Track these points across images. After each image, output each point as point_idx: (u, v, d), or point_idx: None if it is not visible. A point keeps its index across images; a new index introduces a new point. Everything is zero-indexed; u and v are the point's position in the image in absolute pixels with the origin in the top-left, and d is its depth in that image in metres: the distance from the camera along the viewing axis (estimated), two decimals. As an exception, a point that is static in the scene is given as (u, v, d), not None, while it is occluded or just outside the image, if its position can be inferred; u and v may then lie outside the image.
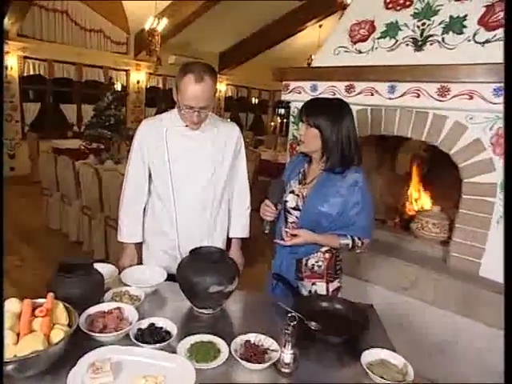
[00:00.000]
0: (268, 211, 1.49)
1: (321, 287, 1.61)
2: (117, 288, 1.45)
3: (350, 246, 1.50)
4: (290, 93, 2.38)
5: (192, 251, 1.38)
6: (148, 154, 1.66)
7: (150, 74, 8.72)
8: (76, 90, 7.78)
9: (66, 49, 7.26)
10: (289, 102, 2.46)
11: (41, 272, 3.18)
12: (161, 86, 9.28)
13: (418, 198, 2.62)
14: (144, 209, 1.77)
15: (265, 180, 4.96)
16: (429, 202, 2.50)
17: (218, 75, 10.10)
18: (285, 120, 10.85)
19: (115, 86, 7.54)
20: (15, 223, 4.43)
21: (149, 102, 9.08)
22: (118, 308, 1.29)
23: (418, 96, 1.89)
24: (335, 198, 1.48)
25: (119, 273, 1.56)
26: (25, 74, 6.98)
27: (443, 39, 1.89)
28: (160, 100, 9.31)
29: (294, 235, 1.50)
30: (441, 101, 1.82)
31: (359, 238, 1.50)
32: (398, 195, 2.81)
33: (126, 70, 8.43)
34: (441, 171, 2.60)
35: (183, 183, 1.64)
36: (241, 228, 1.84)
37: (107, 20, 7.65)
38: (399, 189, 2.82)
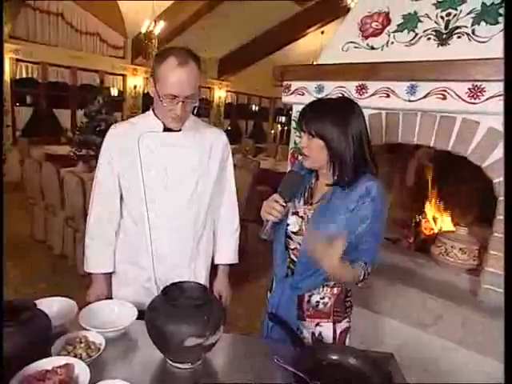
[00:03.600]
0: (275, 208, 1.16)
1: (326, 328, 1.33)
2: (73, 332, 1.15)
3: (362, 276, 1.19)
4: (291, 94, 2.08)
5: (165, 289, 1.08)
6: (119, 166, 1.39)
7: (148, 78, 8.45)
8: (70, 95, 7.52)
9: (61, 52, 7.04)
10: (290, 109, 2.17)
11: (25, 291, 3.04)
12: (159, 91, 9.06)
13: (437, 215, 2.31)
14: (116, 232, 1.49)
15: (264, 190, 4.63)
16: (449, 220, 2.19)
17: (218, 81, 9.98)
18: (285, 128, 10.60)
19: (110, 89, 7.31)
20: None
21: (146, 107, 8.83)
22: (67, 365, 0.99)
23: (444, 98, 1.59)
24: (343, 216, 1.19)
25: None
26: (17, 77, 6.73)
27: (473, 31, 1.60)
28: (158, 106, 9.08)
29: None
30: (472, 103, 1.52)
31: (366, 264, 1.19)
32: (412, 210, 2.50)
33: (122, 75, 8.19)
34: (454, 183, 2.31)
35: (160, 200, 1.36)
36: (229, 252, 1.56)
37: (104, 23, 7.44)
38: (412, 202, 2.51)
